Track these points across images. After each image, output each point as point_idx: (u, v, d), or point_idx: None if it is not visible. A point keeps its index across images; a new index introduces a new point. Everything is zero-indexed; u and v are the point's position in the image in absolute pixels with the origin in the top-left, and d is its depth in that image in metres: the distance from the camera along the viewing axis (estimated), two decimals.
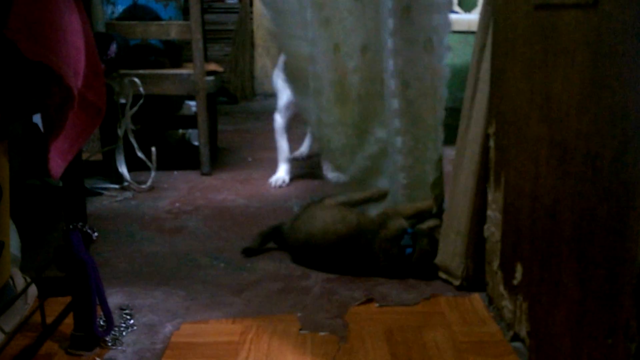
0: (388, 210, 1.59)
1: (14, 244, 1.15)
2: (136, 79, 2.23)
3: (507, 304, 1.21)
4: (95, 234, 1.08)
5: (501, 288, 1.25)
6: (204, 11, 2.35)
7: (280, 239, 1.66)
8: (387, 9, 1.52)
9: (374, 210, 1.68)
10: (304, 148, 2.74)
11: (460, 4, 3.28)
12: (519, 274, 1.15)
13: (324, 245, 1.52)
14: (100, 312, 1.17)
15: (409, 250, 1.47)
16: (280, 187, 2.29)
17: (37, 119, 1.59)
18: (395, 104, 1.57)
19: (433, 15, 1.51)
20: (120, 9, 2.63)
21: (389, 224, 1.52)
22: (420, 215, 1.57)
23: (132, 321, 1.27)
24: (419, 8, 1.50)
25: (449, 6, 1.56)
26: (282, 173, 2.34)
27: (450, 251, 1.44)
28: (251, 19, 4.42)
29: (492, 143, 1.30)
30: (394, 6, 1.50)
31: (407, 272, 1.48)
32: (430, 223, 1.54)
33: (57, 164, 0.89)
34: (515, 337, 1.18)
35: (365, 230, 1.52)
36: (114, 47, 2.04)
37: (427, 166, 1.61)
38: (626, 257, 0.76)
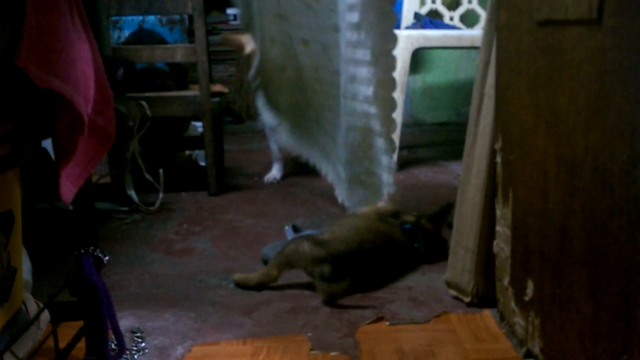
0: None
1: (25, 269, 1.16)
2: (143, 102, 2.25)
3: (518, 320, 1.21)
4: (107, 257, 1.08)
5: (512, 304, 1.24)
6: (208, 33, 2.37)
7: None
8: (345, 23, 1.68)
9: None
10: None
11: (462, 20, 3.30)
12: (530, 290, 1.14)
13: (375, 248, 1.59)
14: (112, 336, 1.17)
15: (415, 244, 1.70)
16: (272, 183, 2.63)
17: (45, 143, 1.61)
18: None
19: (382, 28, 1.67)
20: (126, 33, 2.66)
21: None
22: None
23: (143, 344, 1.27)
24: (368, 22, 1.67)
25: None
26: (274, 171, 2.68)
27: (460, 267, 1.44)
28: None
29: (499, 158, 1.31)
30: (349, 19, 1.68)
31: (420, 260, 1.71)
32: (409, 217, 1.76)
33: (68, 190, 0.90)
34: (528, 354, 1.17)
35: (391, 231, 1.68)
36: (121, 72, 2.07)
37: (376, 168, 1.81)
38: (639, 271, 0.76)
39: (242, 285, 1.56)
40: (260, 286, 1.55)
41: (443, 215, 1.78)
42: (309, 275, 1.53)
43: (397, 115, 2.80)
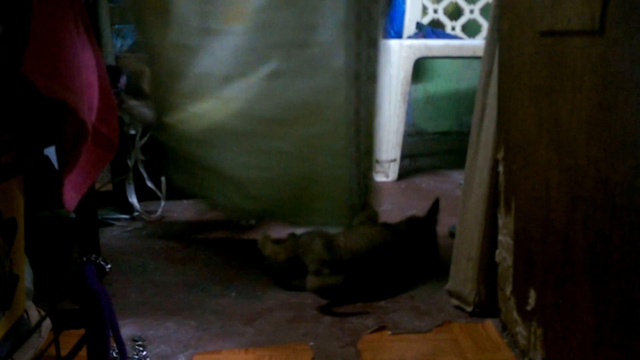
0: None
1: (27, 277, 1.16)
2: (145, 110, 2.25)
3: (521, 330, 1.20)
4: (109, 265, 1.08)
5: (514, 314, 1.24)
6: None
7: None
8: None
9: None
10: None
11: (464, 30, 3.31)
12: (532, 300, 1.14)
13: (384, 264, 1.59)
14: (113, 344, 1.17)
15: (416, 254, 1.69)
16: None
17: (47, 151, 1.61)
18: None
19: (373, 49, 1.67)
20: (129, 41, 2.66)
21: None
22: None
23: (144, 352, 1.27)
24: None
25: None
26: None
27: (462, 277, 1.44)
28: None
29: (501, 168, 1.31)
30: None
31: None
32: (402, 226, 1.74)
33: (71, 198, 0.90)
34: None
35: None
36: (123, 80, 2.07)
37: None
38: None
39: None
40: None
41: (433, 213, 1.80)
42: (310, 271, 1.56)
43: (399, 125, 2.82)
